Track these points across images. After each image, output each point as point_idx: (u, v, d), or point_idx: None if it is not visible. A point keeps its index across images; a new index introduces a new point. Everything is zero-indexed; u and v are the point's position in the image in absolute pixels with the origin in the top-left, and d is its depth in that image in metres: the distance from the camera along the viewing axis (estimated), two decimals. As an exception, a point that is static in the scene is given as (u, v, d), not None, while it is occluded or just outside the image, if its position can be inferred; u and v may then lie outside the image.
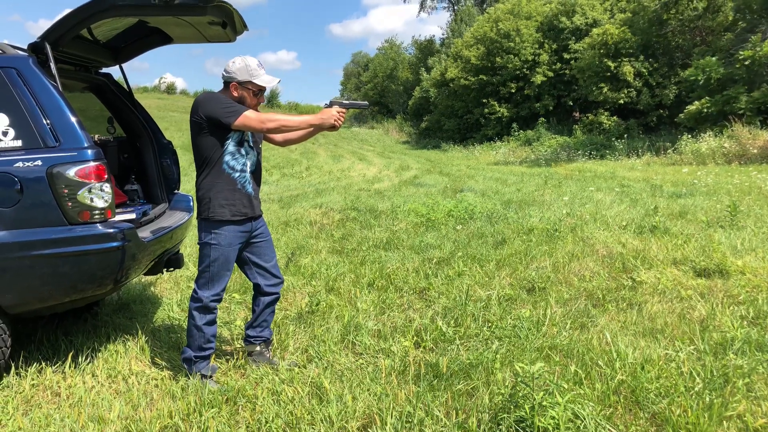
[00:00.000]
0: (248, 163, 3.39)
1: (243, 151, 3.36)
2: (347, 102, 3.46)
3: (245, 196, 3.38)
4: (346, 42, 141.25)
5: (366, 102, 3.68)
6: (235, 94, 3.32)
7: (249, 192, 3.40)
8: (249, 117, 3.21)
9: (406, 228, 8.07)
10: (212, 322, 3.45)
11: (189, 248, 6.95)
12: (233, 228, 3.35)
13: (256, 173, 3.48)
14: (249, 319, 3.76)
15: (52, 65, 3.32)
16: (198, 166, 3.38)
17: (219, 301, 3.44)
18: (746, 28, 19.23)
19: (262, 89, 3.36)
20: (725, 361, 3.38)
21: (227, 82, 3.34)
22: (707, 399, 2.92)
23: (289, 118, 3.32)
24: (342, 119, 3.36)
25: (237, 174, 3.34)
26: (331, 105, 3.40)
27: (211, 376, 3.45)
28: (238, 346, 4.00)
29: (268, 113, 3.27)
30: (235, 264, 3.50)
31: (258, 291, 3.64)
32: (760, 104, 17.13)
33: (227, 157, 3.31)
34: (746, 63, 17.39)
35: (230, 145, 3.31)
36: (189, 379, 3.38)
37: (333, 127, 3.37)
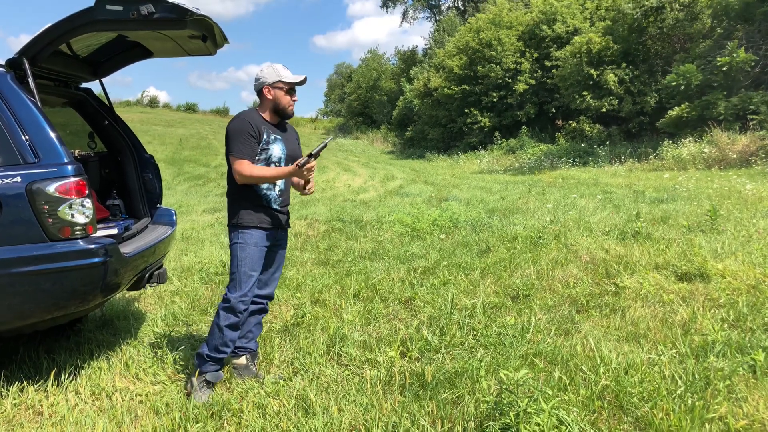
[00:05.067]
0: (276, 183, 3.48)
1: None
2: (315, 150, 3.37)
3: (270, 210, 3.48)
4: (330, 54, 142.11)
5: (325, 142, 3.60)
6: (269, 96, 3.43)
7: (275, 208, 3.50)
8: (236, 164, 3.31)
9: (392, 238, 8.09)
10: (235, 327, 3.46)
11: (173, 263, 6.91)
12: (261, 232, 3.45)
13: (285, 191, 3.57)
14: None
15: (31, 81, 3.30)
16: (229, 177, 3.48)
17: (246, 303, 3.45)
18: (723, 34, 19.54)
19: (292, 86, 3.44)
20: (706, 364, 3.41)
21: (260, 90, 3.44)
22: (689, 402, 2.95)
23: (263, 174, 3.35)
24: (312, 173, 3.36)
25: (263, 192, 3.44)
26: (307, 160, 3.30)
27: (211, 385, 3.46)
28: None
29: (253, 172, 3.31)
30: None
31: None
32: (738, 110, 17.39)
33: None
34: (724, 69, 17.67)
35: (259, 164, 3.39)
36: (192, 378, 3.44)
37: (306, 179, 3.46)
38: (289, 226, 3.71)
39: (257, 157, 3.38)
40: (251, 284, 3.44)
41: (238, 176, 3.34)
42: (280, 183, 3.52)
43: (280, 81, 3.41)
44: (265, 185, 3.44)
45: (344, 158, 29.30)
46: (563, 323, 4.37)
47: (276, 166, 3.44)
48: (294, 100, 3.50)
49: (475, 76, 29.60)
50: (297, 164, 3.26)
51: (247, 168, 3.31)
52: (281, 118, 3.53)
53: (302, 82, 3.46)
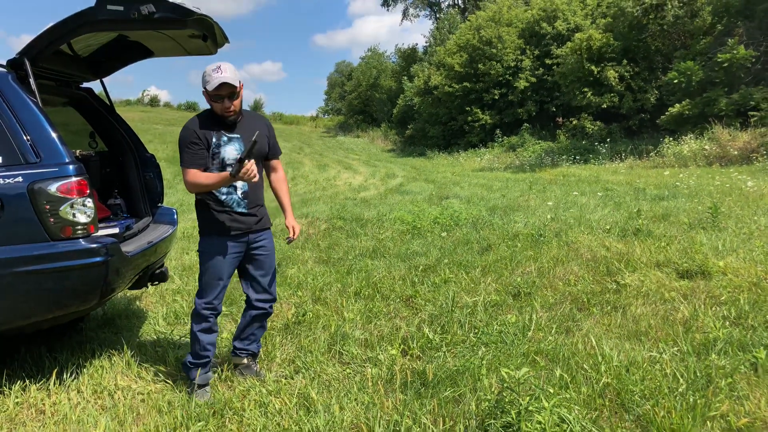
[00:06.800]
0: (236, 185, 3.34)
1: None
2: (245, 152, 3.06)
3: (234, 213, 3.36)
4: (331, 52, 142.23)
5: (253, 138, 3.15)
6: (207, 102, 3.30)
7: (239, 211, 3.37)
8: (184, 175, 3.27)
9: (392, 236, 8.09)
10: (207, 331, 3.46)
11: (174, 261, 6.92)
12: (223, 240, 3.37)
13: (252, 193, 3.41)
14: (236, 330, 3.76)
15: (32, 81, 3.31)
16: None
17: (212, 310, 3.43)
18: (723, 31, 19.49)
19: (214, 95, 3.19)
20: (708, 362, 3.41)
21: None
22: (690, 400, 2.95)
23: (207, 182, 3.21)
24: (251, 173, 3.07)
25: (224, 196, 3.35)
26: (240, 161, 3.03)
27: (204, 386, 3.46)
28: (225, 358, 3.98)
29: (197, 180, 3.22)
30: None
31: (247, 303, 3.65)
32: (739, 106, 17.36)
33: None
34: (724, 66, 17.64)
35: (213, 170, 3.28)
36: (187, 386, 3.47)
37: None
38: (269, 225, 3.59)
39: (212, 162, 3.26)
40: (217, 292, 3.43)
41: (187, 186, 3.28)
42: (241, 185, 3.35)
43: (204, 91, 3.21)
44: (224, 189, 3.31)
45: (345, 156, 29.28)
46: (564, 321, 4.38)
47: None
48: (227, 107, 3.21)
49: (476, 74, 29.54)
50: (230, 174, 3.06)
51: (191, 177, 3.22)
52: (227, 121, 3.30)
53: (220, 90, 3.14)
